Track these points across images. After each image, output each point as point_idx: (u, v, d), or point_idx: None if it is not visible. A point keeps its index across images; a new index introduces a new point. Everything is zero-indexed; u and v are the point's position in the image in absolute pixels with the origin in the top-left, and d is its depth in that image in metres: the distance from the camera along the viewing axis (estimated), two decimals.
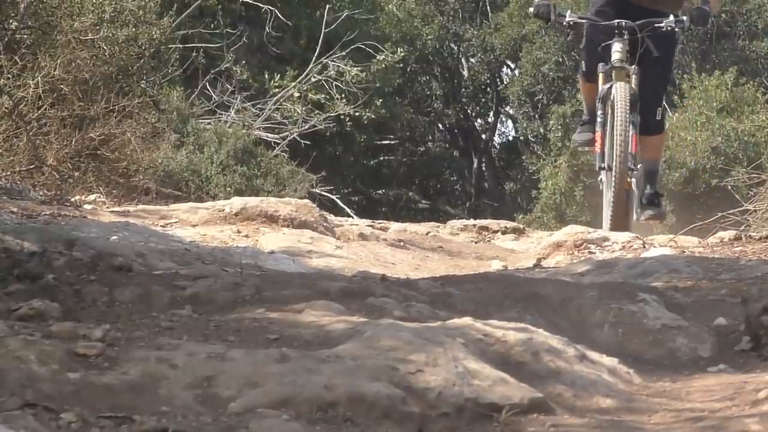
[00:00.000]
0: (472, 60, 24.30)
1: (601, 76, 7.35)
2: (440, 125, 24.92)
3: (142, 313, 3.15)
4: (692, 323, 3.47)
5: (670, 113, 18.64)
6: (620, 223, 7.05)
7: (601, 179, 7.50)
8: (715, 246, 6.11)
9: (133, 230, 5.48)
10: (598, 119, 7.29)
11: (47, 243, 4.28)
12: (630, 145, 7.04)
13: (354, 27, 17.34)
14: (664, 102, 7.85)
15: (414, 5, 22.98)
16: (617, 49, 7.36)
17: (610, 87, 7.20)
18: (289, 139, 15.62)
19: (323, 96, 16.50)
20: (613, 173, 7.05)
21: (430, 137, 24.77)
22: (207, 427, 2.32)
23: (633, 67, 7.33)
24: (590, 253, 5.87)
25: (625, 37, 7.41)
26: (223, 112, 15.40)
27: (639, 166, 7.26)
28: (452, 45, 24.10)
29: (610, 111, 7.19)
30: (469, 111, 24.92)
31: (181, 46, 14.43)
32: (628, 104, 7.04)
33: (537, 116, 21.62)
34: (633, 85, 7.23)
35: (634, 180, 7.25)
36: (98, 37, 9.28)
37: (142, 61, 9.84)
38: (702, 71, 19.25)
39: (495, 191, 23.93)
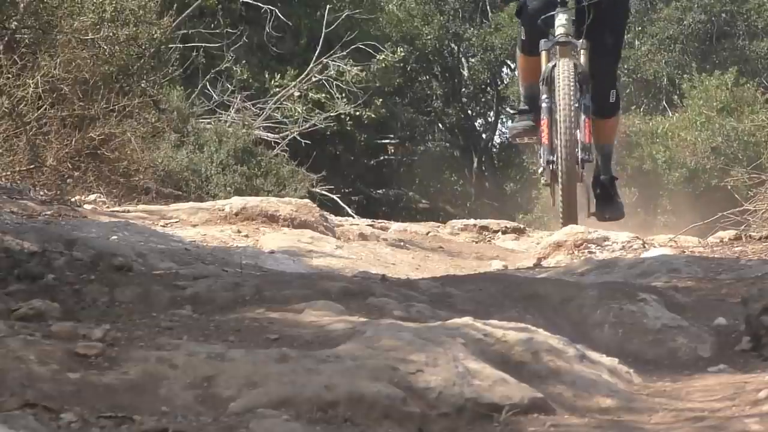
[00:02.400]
0: (472, 60, 24.31)
1: (543, 55, 6.35)
2: (440, 125, 24.93)
3: (142, 313, 3.15)
4: (692, 323, 3.47)
5: (670, 112, 18.65)
6: (574, 221, 6.40)
7: (542, 175, 6.58)
8: (715, 246, 6.11)
9: (133, 230, 5.48)
10: (543, 104, 6.27)
11: (47, 243, 4.29)
12: (581, 133, 6.16)
13: (354, 27, 17.35)
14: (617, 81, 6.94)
15: (414, 5, 23.00)
16: (561, 22, 6.35)
17: (555, 66, 6.21)
18: (289, 138, 15.62)
19: (323, 96, 16.51)
20: (559, 168, 6.17)
21: (430, 137, 24.79)
22: (207, 427, 2.32)
23: (581, 41, 6.37)
24: (590, 252, 5.87)
25: (570, 6, 6.42)
26: (223, 112, 15.41)
27: (593, 157, 6.50)
28: (452, 45, 24.12)
29: (555, 94, 6.23)
30: (469, 111, 24.94)
31: (181, 45, 14.43)
32: (573, 85, 6.10)
33: None
34: (582, 63, 6.30)
35: (585, 172, 6.52)
36: (98, 37, 9.29)
37: (142, 60, 9.84)
38: (702, 71, 19.26)
39: (495, 191, 23.95)
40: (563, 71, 6.11)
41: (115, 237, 5.21)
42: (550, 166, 6.30)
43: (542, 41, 6.35)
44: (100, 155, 9.19)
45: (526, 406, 2.54)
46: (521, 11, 6.64)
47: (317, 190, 14.62)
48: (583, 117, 6.17)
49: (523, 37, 6.62)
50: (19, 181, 7.91)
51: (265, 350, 2.65)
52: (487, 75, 24.13)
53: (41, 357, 2.49)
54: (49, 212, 6.12)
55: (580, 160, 6.24)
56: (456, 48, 23.99)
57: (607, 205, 6.84)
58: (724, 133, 17.07)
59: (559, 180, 6.23)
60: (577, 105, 6.09)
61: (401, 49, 18.24)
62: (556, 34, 6.31)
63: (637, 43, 22.43)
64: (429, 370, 2.58)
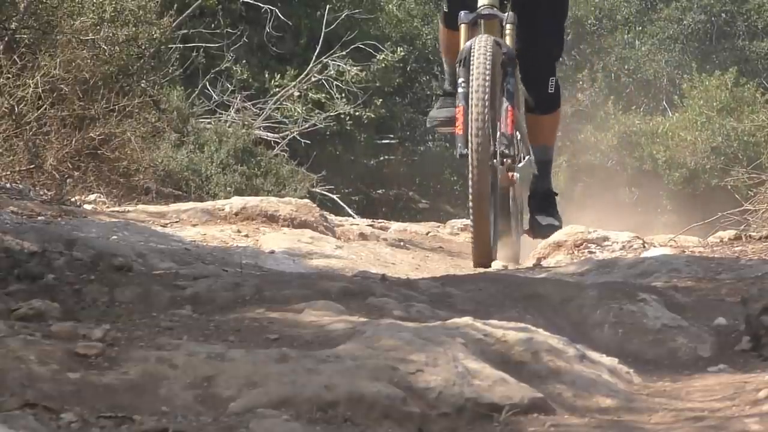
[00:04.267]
0: None
1: (463, 29, 5.29)
2: None
3: (142, 313, 3.15)
4: (692, 323, 3.47)
5: (670, 112, 18.67)
6: (484, 241, 5.12)
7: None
8: (715, 246, 6.11)
9: (133, 230, 5.48)
10: (459, 89, 5.19)
11: (47, 243, 4.29)
12: (502, 122, 5.22)
13: (354, 27, 17.35)
14: (557, 69, 5.88)
15: (414, 5, 22.99)
16: None
17: (473, 44, 5.16)
18: (289, 138, 15.63)
19: (323, 95, 16.51)
20: (469, 164, 5.06)
21: (430, 137, 24.78)
22: (207, 427, 2.32)
23: (508, 14, 5.34)
24: (590, 252, 5.87)
25: None
26: (223, 112, 15.42)
27: (527, 157, 5.55)
28: None
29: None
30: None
31: (181, 45, 14.44)
32: (490, 64, 5.07)
33: None
34: (507, 41, 5.31)
35: (518, 174, 5.49)
36: (98, 37, 9.29)
37: (142, 60, 9.84)
38: (702, 71, 19.26)
39: None
40: (480, 48, 5.07)
41: (115, 237, 5.21)
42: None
43: (461, 13, 5.30)
44: (100, 155, 9.19)
45: (526, 406, 2.54)
46: None
47: (317, 190, 14.62)
48: (506, 104, 5.23)
49: (445, 9, 5.61)
50: (19, 181, 7.91)
51: (265, 350, 2.65)
52: None
53: (41, 357, 2.49)
54: (49, 212, 6.12)
55: (498, 153, 5.18)
56: None
57: (541, 222, 5.86)
58: (724, 133, 17.08)
59: (468, 178, 5.12)
60: (490, 87, 5.03)
61: (401, 49, 18.24)
62: (479, 5, 5.31)
63: (637, 43, 22.43)
64: (429, 370, 2.58)
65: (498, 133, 5.24)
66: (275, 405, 2.42)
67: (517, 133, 5.64)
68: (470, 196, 5.07)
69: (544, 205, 5.90)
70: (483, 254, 5.16)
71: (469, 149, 5.02)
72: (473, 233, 5.11)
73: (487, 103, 5.01)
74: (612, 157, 19.06)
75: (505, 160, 5.26)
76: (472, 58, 5.09)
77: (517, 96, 5.56)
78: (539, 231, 5.88)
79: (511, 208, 5.93)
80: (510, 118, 5.24)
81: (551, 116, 5.79)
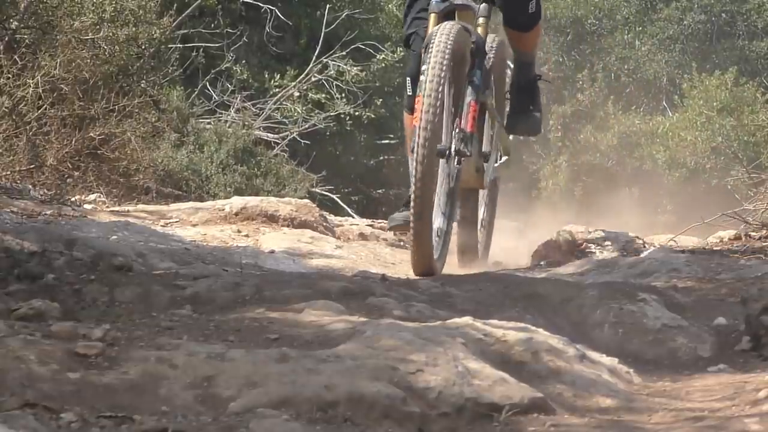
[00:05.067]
0: None
1: (432, 19, 4.84)
2: None
3: (142, 313, 3.15)
4: (692, 323, 3.47)
5: (670, 112, 18.69)
6: (423, 248, 4.45)
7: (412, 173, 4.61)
8: (715, 246, 6.11)
9: (133, 230, 5.48)
10: (421, 76, 4.63)
11: (47, 243, 4.29)
12: (463, 118, 4.72)
13: (354, 27, 17.34)
14: None
15: None
16: None
17: (437, 29, 4.65)
18: (289, 138, 15.62)
19: (323, 95, 16.51)
20: (412, 164, 4.51)
21: None
22: (207, 427, 2.32)
23: (482, 5, 4.96)
24: (590, 252, 5.87)
25: None
26: (223, 112, 15.41)
27: (504, 158, 5.22)
28: None
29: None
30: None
31: (181, 45, 14.44)
32: (449, 50, 4.52)
33: None
34: (480, 31, 4.87)
35: (486, 176, 5.09)
36: (98, 37, 9.29)
37: (142, 60, 9.85)
38: (702, 71, 19.26)
39: None
40: (442, 35, 4.54)
41: (115, 237, 5.22)
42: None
43: (432, 1, 4.87)
44: (100, 155, 9.20)
45: (526, 405, 2.55)
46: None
47: (317, 190, 14.62)
48: (469, 98, 4.73)
49: (409, 92, 5.15)
50: (19, 181, 7.91)
51: (265, 350, 2.65)
52: None
53: (41, 357, 2.49)
54: (49, 212, 6.13)
55: (450, 151, 4.66)
56: None
57: (521, 117, 5.30)
58: (724, 133, 17.08)
59: (411, 175, 4.54)
60: (448, 77, 4.51)
61: (401, 49, 18.23)
62: None
63: (637, 43, 22.43)
64: (429, 370, 2.58)
65: (456, 129, 4.72)
66: (275, 405, 2.42)
67: (492, 133, 5.35)
68: (412, 196, 4.46)
69: (525, 99, 5.31)
70: (420, 264, 4.47)
71: (415, 143, 4.43)
72: (412, 238, 4.45)
73: (440, 95, 4.44)
74: (612, 157, 19.06)
75: (460, 159, 4.70)
76: (431, 45, 4.56)
77: (494, 90, 5.16)
78: (521, 128, 5.40)
79: (481, 215, 5.57)
80: (472, 114, 4.72)
81: (533, 31, 5.23)
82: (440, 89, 4.46)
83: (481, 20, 4.93)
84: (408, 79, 5.14)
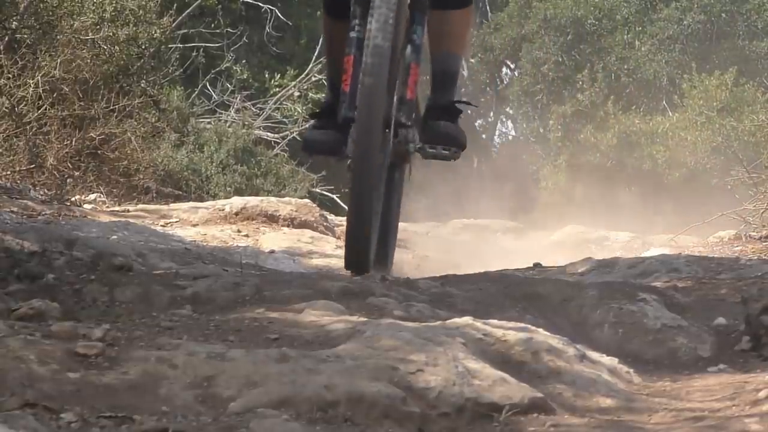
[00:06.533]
0: (472, 60, 24.30)
1: None
2: None
3: (142, 313, 3.15)
4: (692, 323, 3.47)
5: (670, 112, 18.66)
6: (361, 238, 3.83)
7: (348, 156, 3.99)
8: (715, 246, 6.11)
9: (133, 230, 5.48)
10: (351, 33, 3.95)
11: (47, 243, 4.29)
12: (404, 83, 4.04)
13: None
14: None
15: None
16: None
17: None
18: (289, 138, 15.62)
19: (323, 95, 16.51)
20: (355, 132, 3.86)
21: None
22: (207, 427, 2.32)
23: None
24: (590, 252, 5.87)
25: None
26: (223, 112, 15.42)
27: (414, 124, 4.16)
28: None
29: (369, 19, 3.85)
30: (468, 111, 24.94)
31: (181, 45, 14.44)
32: (397, 8, 3.81)
33: (537, 116, 21.65)
34: None
35: (412, 146, 4.28)
36: (98, 37, 9.29)
37: (142, 60, 9.85)
38: (702, 71, 19.24)
39: (495, 191, 23.96)
40: None
41: (115, 237, 5.22)
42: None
43: None
44: (100, 155, 9.20)
45: (526, 405, 2.55)
46: None
47: (317, 190, 14.62)
48: (409, 60, 4.05)
49: None
50: (19, 181, 7.91)
51: (265, 350, 2.65)
52: (487, 75, 24.13)
53: (41, 357, 2.49)
54: (49, 212, 6.13)
55: (392, 121, 4.02)
56: None
57: (436, 135, 4.37)
58: (724, 133, 17.07)
59: (351, 151, 3.91)
60: (393, 33, 3.81)
61: None
62: None
63: (637, 43, 22.43)
64: (429, 370, 2.58)
65: (395, 97, 4.04)
66: (275, 405, 2.42)
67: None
68: (352, 176, 3.82)
69: (443, 114, 4.37)
70: (354, 257, 3.86)
71: (358, 112, 3.78)
72: (347, 227, 3.86)
73: (386, 55, 3.75)
74: (612, 157, 19.06)
75: (399, 130, 4.04)
76: None
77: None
78: (436, 137, 4.42)
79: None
80: (413, 79, 4.03)
81: (461, 12, 4.29)
82: (385, 54, 3.80)
83: None
84: None
